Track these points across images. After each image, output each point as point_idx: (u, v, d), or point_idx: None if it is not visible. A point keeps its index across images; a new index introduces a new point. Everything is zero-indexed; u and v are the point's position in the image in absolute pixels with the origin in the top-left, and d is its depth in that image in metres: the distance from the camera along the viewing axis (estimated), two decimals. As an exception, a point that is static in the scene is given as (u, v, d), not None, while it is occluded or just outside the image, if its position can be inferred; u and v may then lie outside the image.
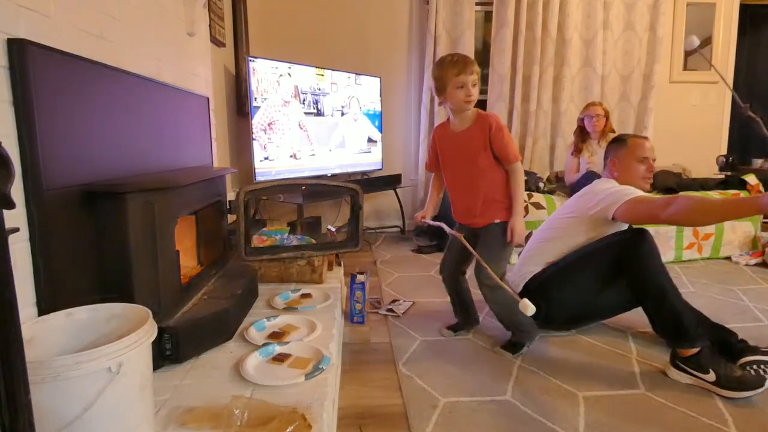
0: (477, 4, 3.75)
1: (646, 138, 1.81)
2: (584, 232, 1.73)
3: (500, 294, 1.69)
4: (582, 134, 3.18)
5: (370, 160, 3.71)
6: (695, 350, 1.50)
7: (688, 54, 4.08)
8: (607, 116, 3.13)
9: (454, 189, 1.84)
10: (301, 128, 3.13)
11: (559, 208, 1.94)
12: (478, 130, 1.71)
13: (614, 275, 1.62)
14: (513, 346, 1.73)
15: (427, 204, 1.93)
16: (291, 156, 3.08)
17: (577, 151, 3.19)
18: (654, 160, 1.77)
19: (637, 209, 1.57)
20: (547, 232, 1.85)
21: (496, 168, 1.72)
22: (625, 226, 1.75)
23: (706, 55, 4.02)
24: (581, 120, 3.17)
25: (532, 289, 1.77)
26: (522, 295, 1.79)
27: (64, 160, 1.06)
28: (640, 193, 1.63)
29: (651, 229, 1.72)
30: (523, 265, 1.85)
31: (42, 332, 0.92)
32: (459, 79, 1.63)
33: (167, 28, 1.69)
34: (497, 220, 1.72)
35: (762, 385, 1.40)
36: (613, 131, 3.14)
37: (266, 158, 2.90)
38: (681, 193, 1.57)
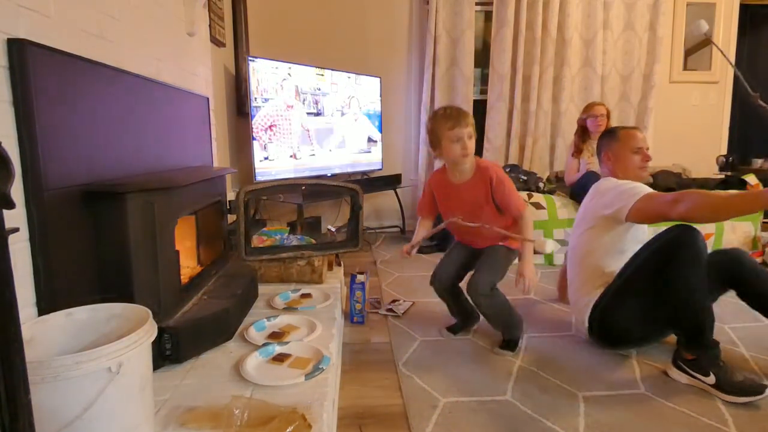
0: (477, 4, 3.75)
1: (636, 128, 1.79)
2: (608, 236, 1.68)
3: (495, 301, 1.68)
4: (583, 135, 3.18)
5: (370, 160, 3.71)
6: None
7: (689, 52, 4.08)
8: (608, 116, 3.13)
9: (458, 232, 1.79)
10: (303, 128, 3.13)
11: (574, 225, 1.87)
12: (480, 183, 1.67)
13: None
14: (509, 344, 1.73)
15: (414, 237, 1.82)
16: (291, 156, 3.08)
17: (577, 151, 3.18)
18: (647, 149, 1.75)
19: (648, 209, 1.54)
20: (577, 252, 1.79)
21: (501, 216, 1.70)
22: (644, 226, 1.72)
23: (712, 47, 4.02)
24: (583, 120, 3.16)
25: (597, 319, 1.68)
26: (591, 328, 1.71)
27: (64, 160, 1.06)
28: (646, 189, 1.59)
29: (650, 228, 1.71)
30: (577, 299, 1.78)
31: (42, 332, 0.92)
32: (454, 132, 1.59)
33: (167, 28, 1.69)
34: (501, 243, 1.71)
35: (762, 392, 1.39)
36: None
37: (266, 158, 2.90)
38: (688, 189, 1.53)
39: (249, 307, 1.71)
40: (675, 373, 1.54)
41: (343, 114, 3.43)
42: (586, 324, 1.72)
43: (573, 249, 1.82)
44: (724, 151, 4.18)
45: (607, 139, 1.80)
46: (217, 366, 1.29)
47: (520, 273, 1.63)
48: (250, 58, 2.78)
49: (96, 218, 1.15)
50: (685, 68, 4.10)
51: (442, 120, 1.60)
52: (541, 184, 3.24)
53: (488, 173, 1.66)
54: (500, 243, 1.70)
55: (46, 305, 1.00)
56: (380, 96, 3.72)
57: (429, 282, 1.84)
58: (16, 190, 0.95)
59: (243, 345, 1.42)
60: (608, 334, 1.70)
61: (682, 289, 1.49)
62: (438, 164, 3.87)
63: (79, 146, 1.12)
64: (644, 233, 1.74)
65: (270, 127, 2.91)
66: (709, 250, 3.15)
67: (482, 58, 3.96)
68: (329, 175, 3.35)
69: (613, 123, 3.33)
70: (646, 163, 1.74)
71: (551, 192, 3.19)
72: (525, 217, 1.67)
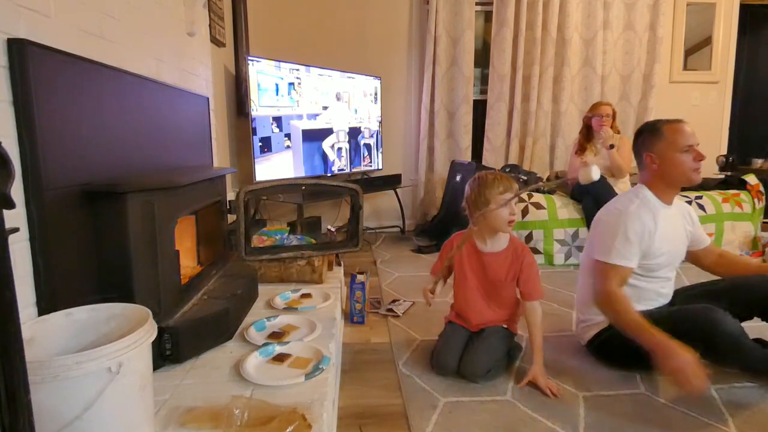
0: (477, 4, 3.75)
1: (681, 121, 1.52)
2: None
3: (491, 379, 1.56)
4: (588, 133, 3.16)
5: (370, 160, 3.72)
6: None
7: (689, 52, 4.07)
8: (613, 116, 3.11)
9: (464, 302, 1.68)
10: (301, 128, 3.13)
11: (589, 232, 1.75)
12: (512, 258, 1.60)
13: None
14: (511, 358, 1.68)
15: (433, 286, 1.65)
16: (291, 156, 3.08)
17: (580, 150, 3.17)
18: (698, 144, 1.51)
19: (599, 277, 1.51)
20: (587, 266, 1.67)
21: (515, 298, 1.67)
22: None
23: (712, 46, 4.01)
24: (589, 118, 3.15)
25: (597, 347, 1.65)
26: (589, 348, 1.67)
27: (64, 160, 1.06)
28: (620, 261, 1.49)
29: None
30: (581, 309, 1.73)
31: (42, 332, 0.92)
32: (504, 197, 1.53)
33: (167, 28, 1.69)
34: (504, 326, 1.66)
35: None
36: (618, 131, 3.12)
37: (266, 158, 2.90)
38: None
39: (249, 307, 1.71)
40: None
41: (342, 113, 3.43)
42: (584, 342, 1.70)
43: (585, 256, 1.72)
44: (724, 151, 4.18)
45: (647, 137, 1.56)
46: (217, 366, 1.29)
47: (533, 379, 1.51)
48: (250, 58, 2.78)
49: (96, 218, 1.15)
50: (685, 68, 4.10)
51: (493, 184, 1.54)
52: (541, 184, 3.24)
53: (524, 252, 1.61)
54: (503, 325, 1.66)
55: (46, 305, 1.00)
56: (380, 96, 3.73)
57: (430, 364, 1.65)
58: (16, 190, 0.95)
59: (243, 345, 1.41)
60: (609, 358, 1.64)
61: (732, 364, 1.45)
62: (437, 164, 3.88)
63: (79, 146, 1.12)
64: (656, 258, 1.58)
65: (270, 126, 2.91)
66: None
67: (482, 58, 3.96)
68: (329, 175, 3.35)
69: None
70: (700, 164, 1.50)
71: (551, 192, 3.19)
72: (537, 308, 1.59)
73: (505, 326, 1.66)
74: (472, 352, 1.56)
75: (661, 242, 1.53)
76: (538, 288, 1.61)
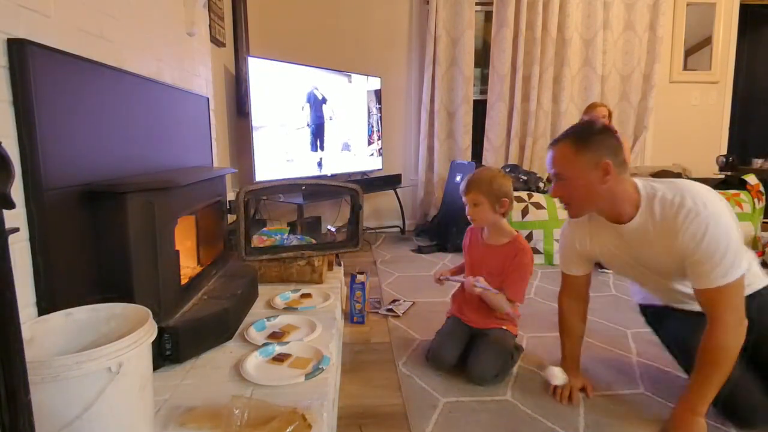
0: (477, 4, 3.75)
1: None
2: None
3: (498, 381, 1.56)
4: None
5: (370, 160, 3.72)
6: None
7: (689, 52, 4.07)
8: (609, 117, 3.12)
9: (462, 290, 1.72)
10: (301, 129, 3.13)
11: None
12: (509, 253, 1.65)
13: None
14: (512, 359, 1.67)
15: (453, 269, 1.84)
16: (291, 156, 3.08)
17: None
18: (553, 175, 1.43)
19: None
20: None
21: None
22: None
23: (712, 46, 4.00)
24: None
25: None
26: None
27: (64, 160, 1.06)
28: (562, 268, 1.63)
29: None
30: None
31: (42, 332, 0.92)
32: (464, 199, 1.64)
33: (167, 28, 1.69)
34: (504, 327, 1.66)
35: None
36: (616, 132, 3.12)
37: (266, 158, 2.90)
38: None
39: (249, 307, 1.71)
40: None
41: (342, 114, 3.43)
42: None
43: None
44: (724, 151, 4.18)
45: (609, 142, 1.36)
46: (217, 366, 1.29)
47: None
48: (250, 58, 2.78)
49: (96, 218, 1.15)
50: (685, 68, 4.11)
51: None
52: (541, 184, 3.24)
53: (520, 252, 1.63)
54: (504, 327, 1.66)
55: (46, 305, 1.00)
56: (380, 96, 3.73)
57: (426, 358, 1.68)
58: (16, 190, 0.94)
59: (243, 345, 1.42)
60: None
61: None
62: (437, 164, 3.88)
63: (79, 146, 1.12)
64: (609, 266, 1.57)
65: (271, 126, 2.91)
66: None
67: (482, 58, 3.96)
68: (329, 175, 3.35)
69: (614, 123, 3.32)
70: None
71: (551, 192, 3.18)
72: (511, 305, 1.62)
73: (504, 327, 1.66)
74: (480, 357, 1.56)
75: (601, 254, 1.46)
76: (520, 292, 1.62)
